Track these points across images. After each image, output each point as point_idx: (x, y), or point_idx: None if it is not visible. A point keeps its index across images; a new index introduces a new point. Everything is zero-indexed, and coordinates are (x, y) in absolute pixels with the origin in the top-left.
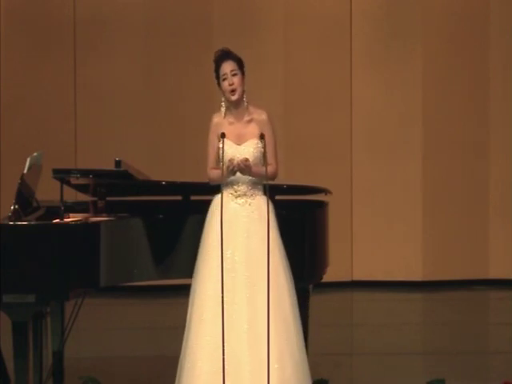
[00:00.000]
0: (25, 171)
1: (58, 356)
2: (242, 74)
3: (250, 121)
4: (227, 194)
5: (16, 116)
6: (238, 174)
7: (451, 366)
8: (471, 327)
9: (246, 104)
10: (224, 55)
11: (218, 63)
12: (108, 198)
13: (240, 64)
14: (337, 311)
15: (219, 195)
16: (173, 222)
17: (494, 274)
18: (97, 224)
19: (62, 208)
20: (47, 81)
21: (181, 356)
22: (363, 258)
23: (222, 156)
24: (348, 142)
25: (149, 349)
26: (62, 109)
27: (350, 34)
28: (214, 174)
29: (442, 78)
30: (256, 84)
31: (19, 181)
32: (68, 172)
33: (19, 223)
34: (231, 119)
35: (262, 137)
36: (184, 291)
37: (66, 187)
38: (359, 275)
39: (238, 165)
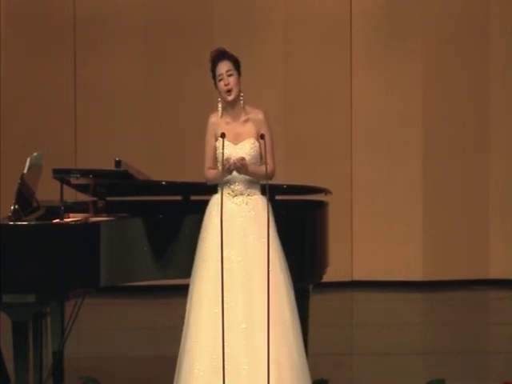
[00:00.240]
0: (25, 171)
1: (58, 356)
2: (238, 73)
3: (246, 120)
4: (225, 193)
5: (16, 116)
6: (235, 173)
7: (451, 366)
8: (471, 327)
9: (242, 104)
10: (220, 55)
11: (214, 63)
12: (108, 198)
13: (236, 64)
14: (337, 311)
15: (216, 195)
16: (173, 222)
17: (494, 274)
18: (97, 224)
19: (62, 208)
20: (47, 81)
21: (179, 355)
22: (363, 258)
23: (222, 156)
24: (348, 142)
25: (149, 349)
26: (62, 109)
27: (350, 34)
28: (210, 173)
29: (441, 78)
30: (256, 84)
31: (19, 181)
32: (68, 172)
33: (19, 223)
34: (228, 119)
35: (262, 137)
36: (184, 291)
37: (66, 187)
38: (359, 275)
39: (234, 164)
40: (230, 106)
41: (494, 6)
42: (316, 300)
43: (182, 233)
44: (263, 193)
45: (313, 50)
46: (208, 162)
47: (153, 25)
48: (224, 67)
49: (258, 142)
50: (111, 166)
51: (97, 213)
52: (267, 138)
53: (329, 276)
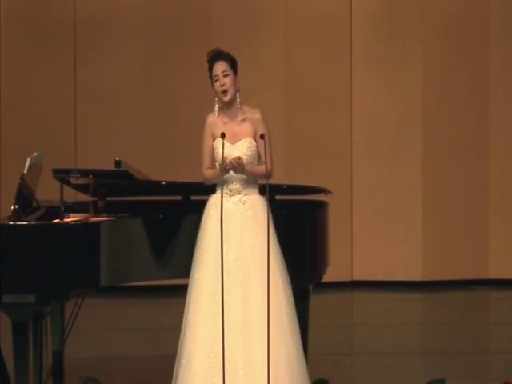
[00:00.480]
0: (25, 171)
1: (58, 356)
2: (235, 73)
3: (243, 120)
4: (221, 194)
5: (16, 116)
6: (232, 172)
7: (451, 366)
8: (471, 327)
9: (239, 103)
10: (215, 56)
11: (210, 64)
12: (108, 198)
13: (232, 64)
14: (337, 311)
15: (214, 195)
16: (173, 222)
17: (494, 274)
18: (97, 224)
19: (62, 208)
20: (47, 81)
21: (177, 355)
22: (363, 258)
23: (222, 156)
24: (348, 142)
25: (149, 349)
26: (62, 109)
27: (350, 34)
28: (208, 173)
29: (442, 78)
30: (256, 84)
31: (19, 181)
32: (68, 172)
33: (19, 223)
34: (225, 119)
35: (261, 137)
36: (184, 291)
37: (66, 187)
38: (359, 275)
39: (231, 163)
40: (227, 106)
41: (493, 6)
42: (316, 300)
43: (181, 233)
44: (261, 192)
45: (313, 50)
46: (206, 162)
47: (153, 25)
48: (220, 68)
49: (256, 142)
50: (111, 166)
51: (97, 213)
52: (266, 137)
53: (329, 276)
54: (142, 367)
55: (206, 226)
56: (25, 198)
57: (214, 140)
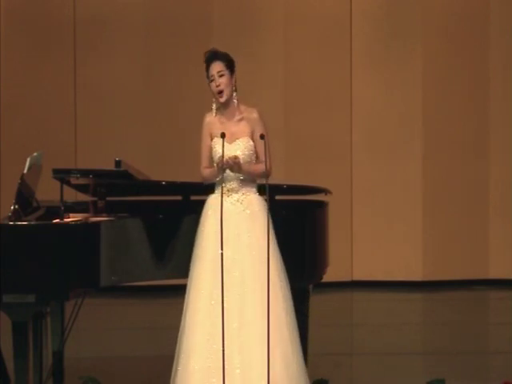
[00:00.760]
0: (25, 171)
1: (58, 356)
2: (231, 73)
3: (240, 119)
4: (220, 193)
5: (16, 116)
6: (228, 171)
7: (451, 366)
8: (471, 327)
9: (236, 103)
10: (211, 56)
11: (207, 65)
12: (108, 198)
13: (228, 64)
14: (337, 311)
15: (213, 195)
16: (173, 222)
17: (494, 274)
18: (97, 224)
19: (62, 208)
20: (47, 81)
21: (175, 354)
22: (363, 258)
23: (222, 156)
24: (348, 142)
25: (149, 349)
26: (62, 109)
27: (350, 34)
28: (206, 172)
29: (442, 78)
30: (256, 84)
31: (19, 181)
32: (68, 172)
33: (19, 223)
34: (222, 119)
35: (261, 137)
36: (184, 291)
37: (66, 187)
38: (359, 275)
39: (227, 162)
40: (224, 106)
41: (494, 6)
42: (316, 300)
43: (181, 233)
44: (261, 192)
45: (313, 50)
46: (204, 161)
47: (153, 25)
48: (215, 68)
49: (253, 141)
50: (111, 166)
51: (97, 213)
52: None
53: (329, 276)
54: (141, 367)
55: (204, 226)
56: (25, 198)
57: (211, 139)
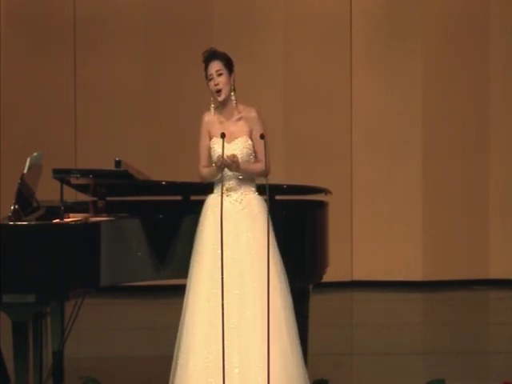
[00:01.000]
0: (25, 171)
1: (58, 356)
2: (230, 72)
3: (239, 119)
4: (219, 193)
5: (16, 116)
6: (227, 170)
7: (451, 366)
8: (471, 327)
9: (234, 102)
10: (210, 55)
11: (205, 64)
12: (108, 198)
13: (227, 63)
14: (337, 311)
15: (212, 195)
16: (173, 222)
17: (494, 274)
18: (97, 224)
19: (62, 208)
20: (47, 81)
21: (175, 353)
22: (363, 258)
23: (222, 156)
24: (348, 142)
25: (149, 349)
26: (62, 109)
27: (350, 34)
28: (205, 171)
29: (441, 78)
30: (256, 84)
31: (19, 181)
32: (68, 172)
33: (19, 223)
34: (221, 118)
35: (262, 137)
36: (183, 291)
37: (66, 187)
38: (359, 275)
39: (226, 160)
40: (222, 105)
41: (494, 6)
42: (316, 300)
43: (181, 233)
44: (260, 192)
45: (313, 50)
46: (202, 161)
47: (153, 25)
48: (214, 67)
49: (251, 140)
50: (111, 166)
51: (97, 213)
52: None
53: (329, 276)
54: (141, 367)
55: (204, 226)
56: (25, 198)
57: (210, 139)
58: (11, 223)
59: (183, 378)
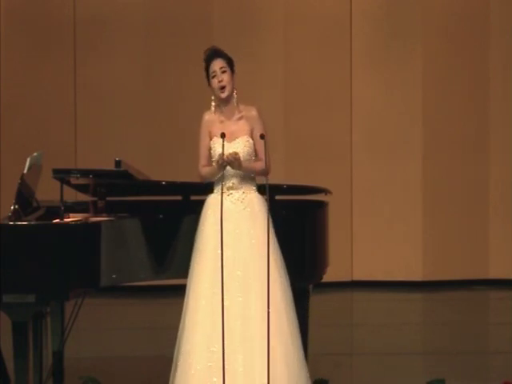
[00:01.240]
0: (25, 171)
1: (58, 356)
2: (232, 71)
3: (240, 118)
4: (220, 192)
5: (16, 116)
6: (228, 168)
7: (451, 366)
8: (471, 327)
9: (235, 102)
10: (213, 54)
11: (208, 62)
12: (108, 198)
13: (229, 62)
14: (337, 311)
15: (212, 195)
16: (173, 222)
17: (494, 274)
18: (97, 224)
19: (62, 208)
20: (47, 81)
21: (175, 354)
22: (363, 258)
23: (222, 156)
24: (348, 142)
25: (149, 349)
26: (62, 109)
27: (350, 34)
28: (205, 170)
29: (442, 78)
30: (256, 84)
31: (19, 181)
32: (68, 172)
33: (19, 223)
34: (222, 117)
35: (262, 137)
36: (184, 291)
37: (66, 187)
38: (359, 275)
39: (228, 158)
40: (224, 104)
41: (494, 6)
42: (316, 300)
43: (181, 233)
44: (261, 192)
45: (313, 50)
46: (202, 160)
47: (153, 25)
48: (217, 64)
49: (252, 139)
50: (111, 166)
51: (97, 213)
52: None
53: (329, 276)
54: (141, 367)
55: (204, 225)
56: (25, 198)
57: (210, 138)
58: (11, 223)
59: (184, 378)
